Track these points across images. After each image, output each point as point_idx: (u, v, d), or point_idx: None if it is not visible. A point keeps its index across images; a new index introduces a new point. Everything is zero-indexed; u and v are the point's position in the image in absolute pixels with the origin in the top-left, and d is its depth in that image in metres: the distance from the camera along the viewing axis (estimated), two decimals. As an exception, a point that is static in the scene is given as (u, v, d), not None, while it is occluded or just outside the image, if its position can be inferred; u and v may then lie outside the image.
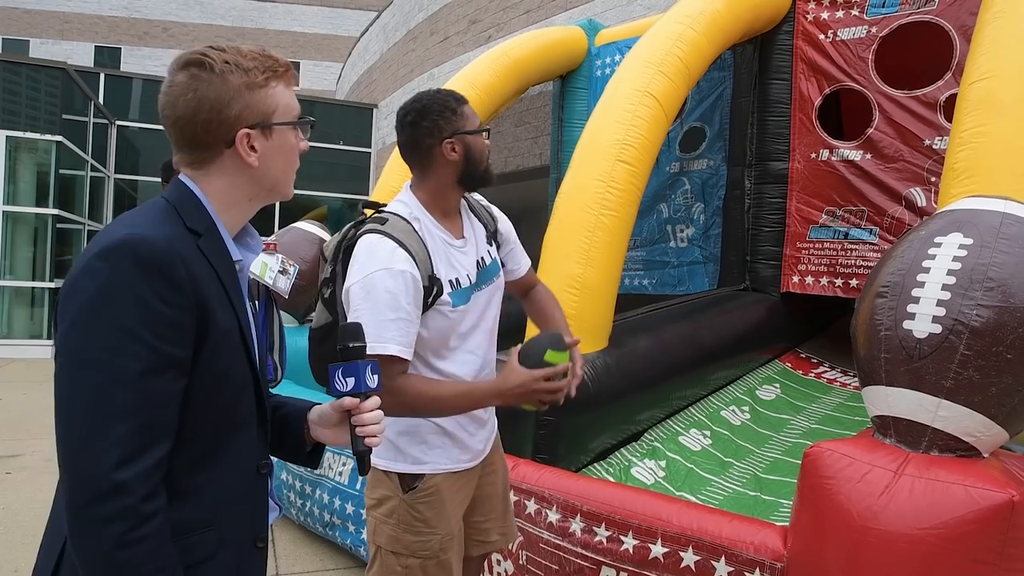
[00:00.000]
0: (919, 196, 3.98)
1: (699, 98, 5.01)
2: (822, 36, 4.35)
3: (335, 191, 14.23)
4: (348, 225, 1.71)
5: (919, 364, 1.79)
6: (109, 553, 0.91)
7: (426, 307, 1.60)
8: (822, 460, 1.81)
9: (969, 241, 1.86)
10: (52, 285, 10.32)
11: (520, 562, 2.39)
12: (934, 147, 3.91)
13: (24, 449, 5.13)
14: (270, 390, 1.19)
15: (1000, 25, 2.75)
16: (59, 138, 10.13)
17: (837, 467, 1.78)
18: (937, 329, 1.78)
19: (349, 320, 1.50)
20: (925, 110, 3.96)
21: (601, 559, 2.17)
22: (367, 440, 1.14)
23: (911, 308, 1.84)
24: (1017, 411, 1.77)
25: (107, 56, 22.40)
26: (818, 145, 4.37)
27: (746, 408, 3.74)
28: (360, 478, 3.17)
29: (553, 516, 2.30)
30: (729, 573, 1.96)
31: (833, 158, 4.30)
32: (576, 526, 2.25)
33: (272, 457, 1.20)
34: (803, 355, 4.51)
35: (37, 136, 10.11)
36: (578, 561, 2.22)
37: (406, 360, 1.55)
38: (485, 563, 2.08)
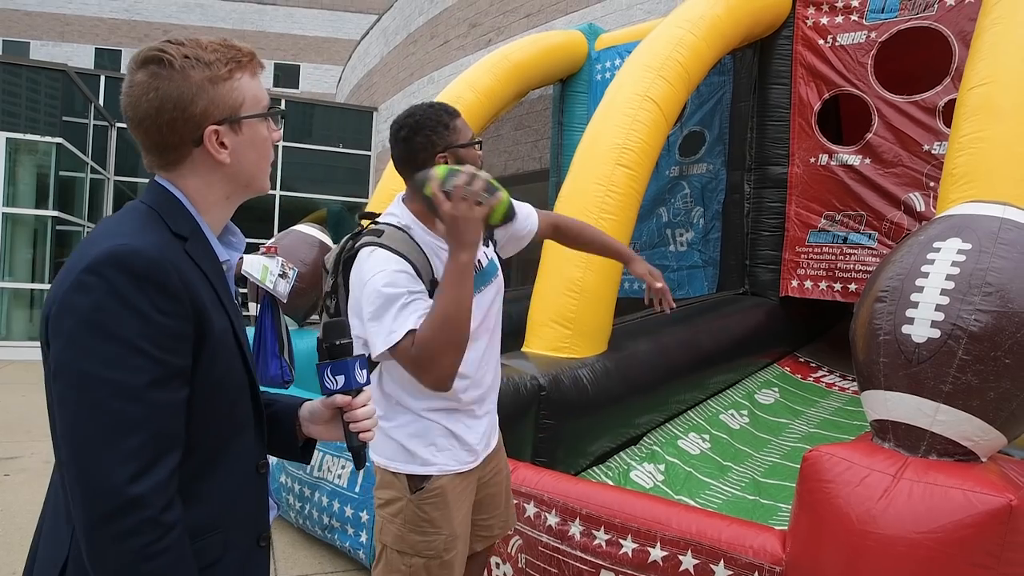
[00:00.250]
0: (918, 201, 3.99)
1: (699, 102, 5.02)
2: (822, 41, 4.36)
3: (335, 194, 14.26)
4: (346, 237, 1.74)
5: (918, 368, 1.80)
6: (133, 567, 0.88)
7: None
8: (821, 464, 1.82)
9: (968, 246, 1.86)
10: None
11: (519, 565, 2.39)
12: (933, 152, 3.92)
13: (23, 451, 5.13)
14: (284, 391, 1.19)
15: (999, 31, 2.76)
16: (59, 140, 10.14)
17: (836, 471, 1.78)
18: (936, 334, 1.79)
19: (366, 323, 1.53)
20: (924, 115, 3.97)
21: (600, 562, 2.17)
22: (361, 435, 1.13)
23: (910, 313, 1.85)
24: (1015, 415, 1.77)
25: (107, 58, 22.44)
26: (817, 150, 4.38)
27: (745, 412, 3.74)
28: (360, 480, 3.17)
29: (552, 519, 2.31)
30: (728, 577, 1.96)
31: (832, 163, 4.31)
32: (575, 529, 2.25)
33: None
34: (802, 359, 4.51)
35: (37, 138, 10.12)
36: (577, 564, 2.22)
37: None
38: (485, 568, 2.09)
